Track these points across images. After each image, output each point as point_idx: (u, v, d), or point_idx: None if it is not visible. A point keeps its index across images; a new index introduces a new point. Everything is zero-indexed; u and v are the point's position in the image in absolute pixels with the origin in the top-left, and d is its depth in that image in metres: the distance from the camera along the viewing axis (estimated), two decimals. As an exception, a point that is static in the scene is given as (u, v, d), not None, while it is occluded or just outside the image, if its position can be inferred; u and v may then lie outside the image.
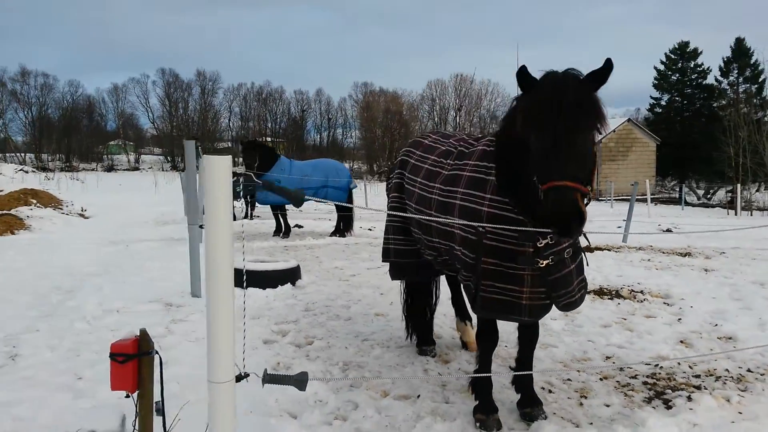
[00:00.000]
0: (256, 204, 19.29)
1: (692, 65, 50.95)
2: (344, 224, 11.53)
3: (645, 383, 3.72)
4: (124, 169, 74.22)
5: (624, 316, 5.30)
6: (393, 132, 71.41)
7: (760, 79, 45.31)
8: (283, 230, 11.35)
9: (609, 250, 9.76)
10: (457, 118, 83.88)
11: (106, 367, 3.60)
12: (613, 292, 6.29)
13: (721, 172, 47.90)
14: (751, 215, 29.58)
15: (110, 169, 72.62)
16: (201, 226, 10.42)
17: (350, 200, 11.59)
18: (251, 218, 18.58)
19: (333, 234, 11.40)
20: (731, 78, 47.60)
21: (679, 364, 4.04)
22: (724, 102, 47.46)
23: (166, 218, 18.62)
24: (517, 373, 3.32)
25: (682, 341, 4.61)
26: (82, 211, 20.63)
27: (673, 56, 51.65)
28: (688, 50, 50.93)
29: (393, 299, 5.79)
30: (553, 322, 4.92)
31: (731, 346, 4.48)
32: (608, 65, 2.59)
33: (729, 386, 3.64)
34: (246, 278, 5.95)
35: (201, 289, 5.70)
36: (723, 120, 46.84)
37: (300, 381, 2.29)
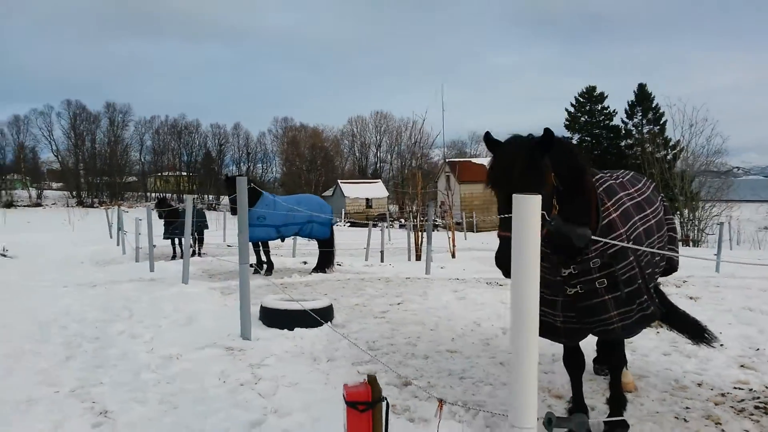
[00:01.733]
0: (204, 240, 18.64)
1: (599, 108, 54.91)
2: (326, 260, 11.33)
3: (757, 407, 3.89)
4: (24, 205, 69.02)
5: (673, 344, 5.54)
6: (318, 167, 71.32)
7: (662, 121, 49.47)
8: (265, 267, 10.96)
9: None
10: (378, 153, 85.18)
11: (225, 418, 3.33)
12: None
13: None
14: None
15: (9, 205, 67.28)
16: (251, 266, 9.90)
17: (332, 235, 11.43)
18: (200, 255, 17.86)
19: (315, 270, 11.15)
20: (636, 120, 51.72)
21: (766, 387, 4.28)
22: (630, 141, 51.32)
23: (103, 257, 17.56)
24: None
25: (742, 365, 4.88)
26: (3, 250, 19.02)
27: (581, 99, 55.47)
28: (595, 94, 54.91)
29: (444, 335, 5.74)
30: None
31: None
32: (547, 134, 2.94)
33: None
34: (283, 317, 5.73)
35: (251, 332, 5.40)
36: (629, 158, 50.57)
37: (581, 423, 2.23)
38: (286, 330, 5.69)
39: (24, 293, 8.52)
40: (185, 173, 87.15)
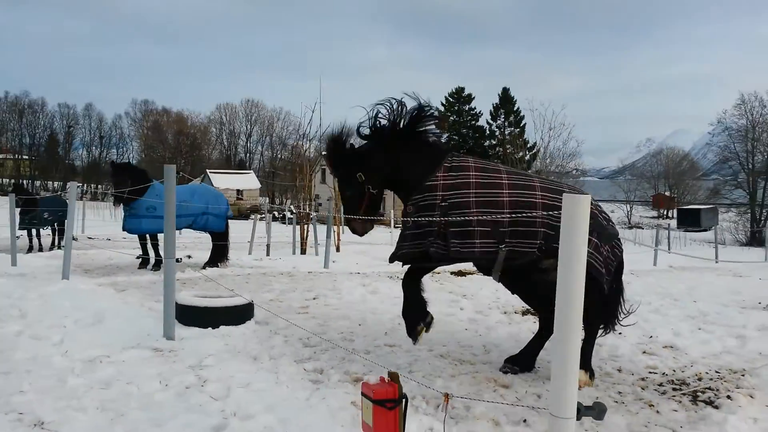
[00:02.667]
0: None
1: (467, 108, 57.84)
2: (220, 254, 10.84)
3: (675, 389, 4.36)
4: None
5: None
6: (183, 154, 67.78)
7: (522, 124, 53.22)
8: (152, 263, 10.24)
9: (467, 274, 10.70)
10: (248, 143, 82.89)
11: (185, 424, 3.12)
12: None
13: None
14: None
15: None
16: (178, 260, 8.99)
17: (227, 228, 10.96)
18: (59, 248, 16.37)
19: (208, 264, 10.60)
20: (499, 121, 55.14)
21: (673, 371, 4.81)
22: (494, 142, 54.62)
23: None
24: None
25: (644, 352, 5.43)
26: None
27: (451, 99, 58.05)
28: (463, 95, 57.72)
29: (375, 329, 5.77)
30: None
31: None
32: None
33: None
34: (203, 315, 5.46)
35: (175, 332, 5.04)
36: (492, 158, 53.71)
37: (600, 411, 2.36)
38: (209, 328, 5.38)
39: None
40: (26, 157, 78.83)
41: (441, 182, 4.28)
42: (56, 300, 6.30)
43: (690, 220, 55.94)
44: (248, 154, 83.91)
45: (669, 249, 24.58)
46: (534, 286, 4.56)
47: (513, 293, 5.02)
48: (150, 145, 73.11)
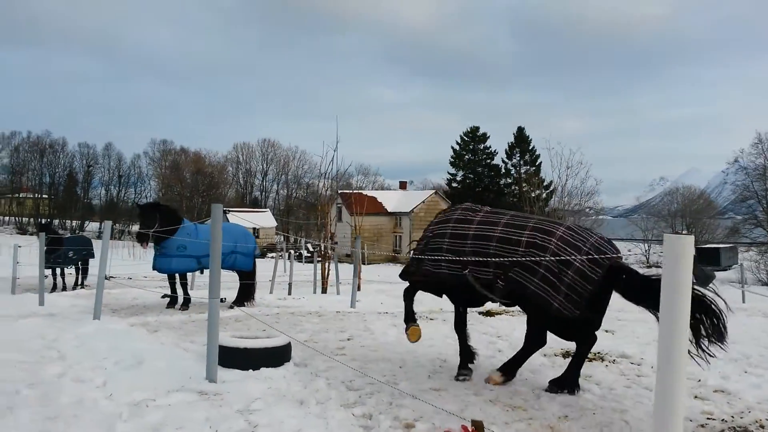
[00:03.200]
0: (89, 271, 17.05)
1: (482, 147, 58.18)
2: (248, 294, 10.79)
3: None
4: None
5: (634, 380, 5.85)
6: (201, 193, 68.50)
7: (537, 162, 53.37)
8: (180, 302, 10.21)
9: (492, 315, 10.55)
10: (264, 182, 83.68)
11: None
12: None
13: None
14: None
15: None
16: (222, 300, 9.06)
17: (255, 267, 10.94)
18: (82, 287, 16.43)
19: (235, 304, 10.54)
20: (514, 160, 55.32)
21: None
22: (509, 180, 54.72)
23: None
24: None
25: (696, 397, 5.25)
26: None
27: (466, 138, 58.47)
28: (478, 134, 58.13)
29: (417, 371, 5.65)
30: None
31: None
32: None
33: None
34: (243, 357, 5.38)
35: (217, 374, 4.96)
36: (507, 195, 53.75)
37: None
38: (250, 370, 5.30)
39: None
40: (45, 196, 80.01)
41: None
42: (93, 341, 6.26)
43: (709, 259, 55.17)
44: (263, 193, 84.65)
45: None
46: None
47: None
48: (168, 184, 74.00)
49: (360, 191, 49.89)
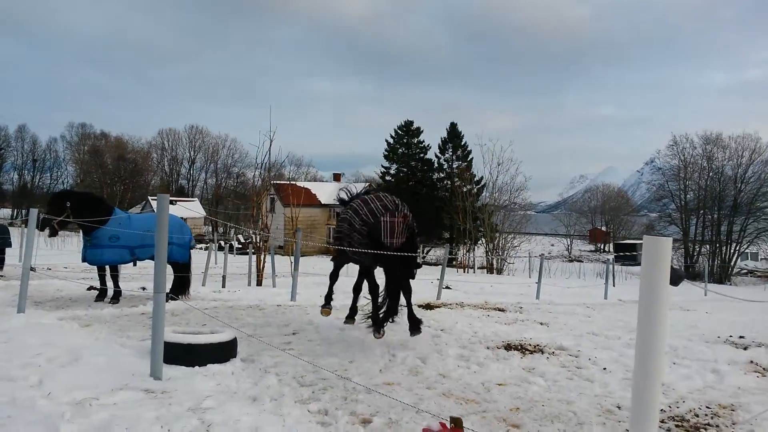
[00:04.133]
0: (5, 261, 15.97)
1: (416, 141, 58.68)
2: (182, 286, 10.42)
3: None
4: None
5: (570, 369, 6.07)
6: (123, 180, 65.53)
7: (469, 158, 54.41)
8: (110, 295, 9.72)
9: (432, 308, 10.72)
10: (192, 170, 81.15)
11: None
12: (519, 347, 7.06)
13: (439, 234, 55.41)
14: (475, 272, 34.86)
15: None
16: (170, 297, 8.69)
17: (190, 259, 10.58)
18: (-2, 276, 15.42)
19: (169, 297, 10.13)
20: (447, 155, 56.17)
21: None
22: (442, 175, 55.51)
23: None
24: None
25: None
26: None
27: (400, 132, 58.80)
28: (412, 128, 58.59)
29: (368, 366, 5.64)
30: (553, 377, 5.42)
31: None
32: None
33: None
34: (187, 353, 5.21)
35: (162, 371, 4.76)
36: (440, 190, 54.54)
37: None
38: (196, 367, 5.12)
39: None
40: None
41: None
42: (21, 336, 5.87)
43: (627, 255, 58.35)
44: (191, 181, 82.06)
45: (614, 283, 25.46)
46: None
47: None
48: (87, 170, 70.35)
49: (293, 182, 49.25)
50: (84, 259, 9.58)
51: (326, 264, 34.63)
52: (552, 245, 78.60)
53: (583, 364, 6.30)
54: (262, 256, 17.64)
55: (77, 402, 4.03)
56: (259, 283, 17.07)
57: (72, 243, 32.92)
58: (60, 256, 21.42)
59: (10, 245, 15.98)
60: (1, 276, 15.38)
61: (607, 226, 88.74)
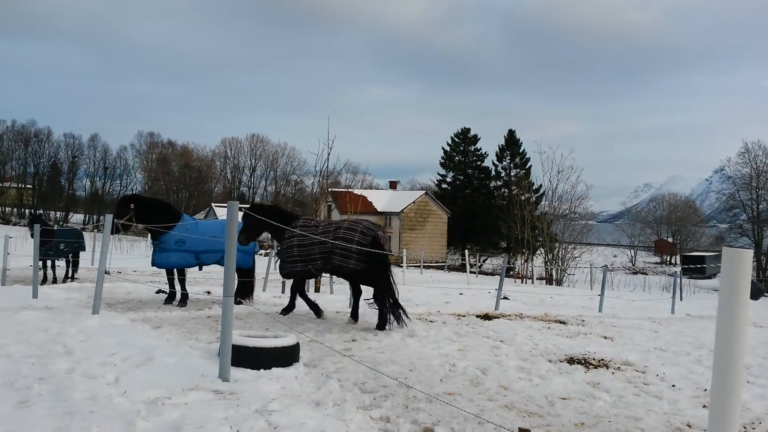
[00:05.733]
0: (79, 264, 16.84)
1: (472, 149, 58.31)
2: (247, 291, 10.72)
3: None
4: None
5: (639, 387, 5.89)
6: (188, 187, 67.93)
7: (527, 166, 53.60)
8: (179, 298, 10.11)
9: (493, 318, 10.57)
10: (252, 177, 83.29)
11: None
12: (582, 361, 6.89)
13: (495, 243, 54.76)
14: (533, 283, 34.22)
15: None
16: (238, 301, 9.28)
17: (254, 264, 10.87)
18: (73, 280, 16.23)
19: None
20: (504, 163, 55.53)
21: (742, 426, 4.68)
22: (499, 183, 54.90)
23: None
24: None
25: (705, 406, 5.30)
26: None
27: (456, 140, 58.59)
28: (469, 135, 58.27)
29: (428, 375, 5.64)
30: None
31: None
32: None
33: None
34: (254, 356, 5.34)
35: (230, 373, 4.92)
36: (497, 198, 53.89)
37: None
38: (261, 370, 5.27)
39: None
40: (30, 186, 78.99)
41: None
42: (98, 336, 6.19)
43: (695, 267, 55.91)
44: (251, 189, 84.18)
45: (681, 297, 24.46)
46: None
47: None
48: (154, 177, 73.34)
49: (350, 190, 49.82)
50: (153, 263, 10.00)
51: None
52: (615, 256, 76.29)
53: (651, 380, 6.11)
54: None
55: (151, 401, 4.22)
56: (317, 290, 17.32)
57: (140, 248, 34.35)
58: (129, 260, 22.44)
59: (84, 249, 16.83)
60: (76, 279, 16.22)
61: (673, 237, 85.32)
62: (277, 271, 9.93)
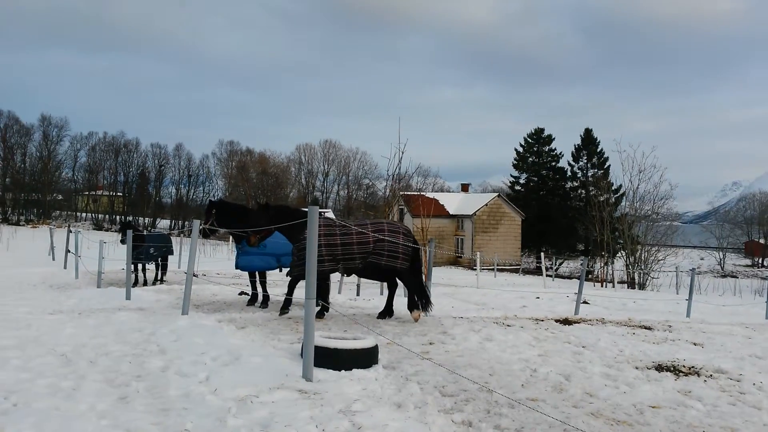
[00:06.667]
0: (168, 267, 17.72)
1: (546, 149, 56.96)
2: (323, 294, 10.91)
3: None
4: (-63, 221, 64.05)
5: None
6: (267, 193, 70.11)
7: (606, 165, 51.75)
8: (260, 300, 10.45)
9: (573, 323, 10.24)
10: (325, 182, 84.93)
11: None
12: (672, 368, 6.57)
13: (572, 246, 53.19)
14: (614, 287, 32.96)
15: None
16: (319, 303, 9.77)
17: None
18: (162, 282, 17.06)
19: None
20: (581, 163, 53.89)
21: None
22: (575, 184, 53.31)
23: (55, 281, 16.48)
24: None
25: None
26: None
27: (530, 140, 57.42)
28: (543, 136, 56.97)
29: (508, 380, 5.56)
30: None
31: None
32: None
33: None
34: (335, 357, 5.42)
35: (313, 373, 5.05)
36: (573, 200, 52.31)
37: None
38: (343, 371, 5.36)
39: (11, 320, 7.74)
40: (120, 194, 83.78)
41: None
42: (188, 336, 6.50)
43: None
44: (324, 193, 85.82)
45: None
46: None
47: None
48: (234, 183, 76.17)
49: (421, 193, 49.83)
50: (237, 266, 10.39)
51: (455, 273, 34.69)
52: (701, 259, 72.33)
53: (747, 389, 5.77)
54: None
55: (240, 399, 4.39)
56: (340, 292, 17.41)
57: (222, 251, 35.74)
58: (212, 263, 23.40)
59: (172, 253, 17.69)
60: (165, 281, 17.08)
61: (765, 239, 79.90)
62: (287, 270, 10.12)
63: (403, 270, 9.07)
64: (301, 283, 10.27)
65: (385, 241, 8.84)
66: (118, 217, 78.43)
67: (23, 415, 3.90)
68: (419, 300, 9.22)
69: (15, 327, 7.07)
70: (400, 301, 10.22)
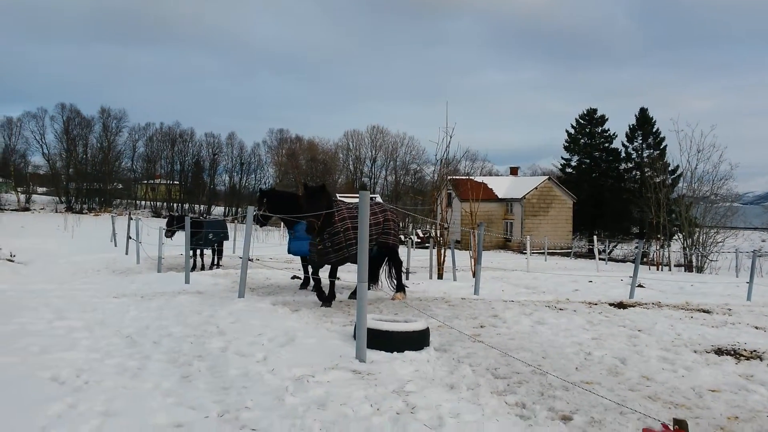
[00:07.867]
0: (223, 252, 18.24)
1: (599, 130, 55.41)
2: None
3: None
4: (12, 209, 67.47)
5: None
6: (316, 179, 70.95)
7: (662, 146, 50.00)
8: (312, 284, 10.65)
9: (628, 307, 10.00)
10: (373, 168, 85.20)
11: None
12: (732, 352, 6.37)
13: (626, 229, 51.77)
14: (671, 270, 31.98)
15: (-2, 208, 65.79)
16: (294, 278, 9.77)
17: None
18: (218, 266, 17.57)
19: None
20: (636, 143, 52.24)
21: None
22: (630, 165, 51.74)
23: (117, 266, 17.20)
24: None
25: None
26: (11, 256, 18.54)
27: (582, 121, 55.96)
28: (596, 116, 55.43)
29: (562, 363, 5.53)
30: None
31: None
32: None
33: None
34: (387, 339, 5.48)
35: (366, 354, 5.14)
36: (627, 181, 50.78)
37: None
38: (395, 353, 5.44)
39: (78, 304, 8.17)
40: (177, 182, 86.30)
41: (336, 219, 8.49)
42: (246, 318, 6.71)
43: None
44: (372, 179, 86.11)
45: None
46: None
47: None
48: (285, 170, 77.37)
49: (469, 177, 49.38)
50: (289, 251, 10.61)
51: (503, 258, 34.31)
52: (763, 241, 69.18)
53: (815, 375, 5.53)
54: (443, 251, 17.98)
55: (296, 378, 4.53)
56: (440, 276, 17.44)
57: (274, 237, 36.48)
58: (265, 248, 23.92)
59: (228, 239, 18.19)
60: (221, 266, 17.60)
61: (836, 219, 75.62)
62: (308, 258, 9.68)
63: (395, 247, 9.67)
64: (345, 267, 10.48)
65: (390, 221, 9.41)
66: (175, 205, 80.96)
67: (94, 393, 4.13)
68: (398, 280, 9.87)
69: (82, 310, 7.45)
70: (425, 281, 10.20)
